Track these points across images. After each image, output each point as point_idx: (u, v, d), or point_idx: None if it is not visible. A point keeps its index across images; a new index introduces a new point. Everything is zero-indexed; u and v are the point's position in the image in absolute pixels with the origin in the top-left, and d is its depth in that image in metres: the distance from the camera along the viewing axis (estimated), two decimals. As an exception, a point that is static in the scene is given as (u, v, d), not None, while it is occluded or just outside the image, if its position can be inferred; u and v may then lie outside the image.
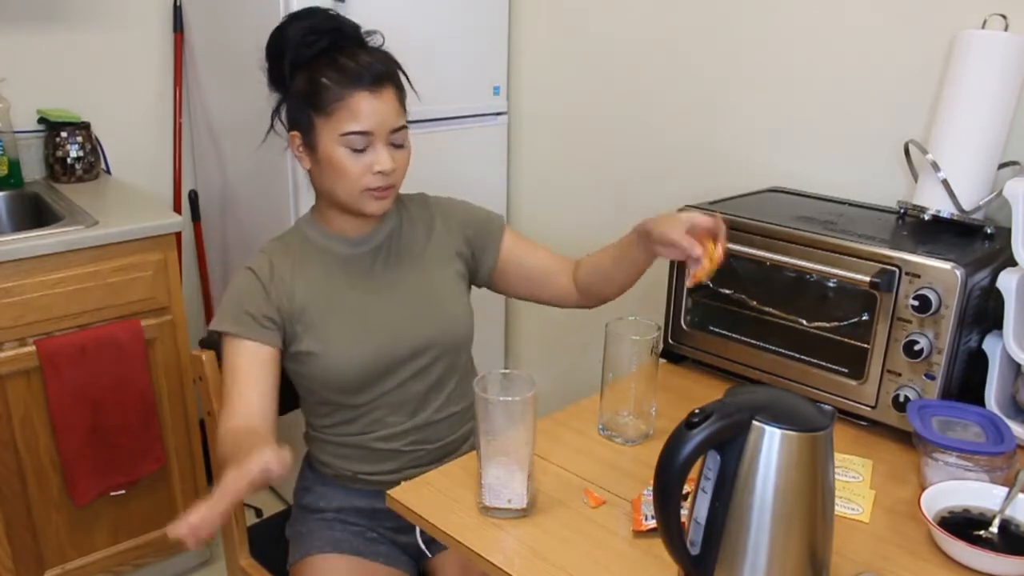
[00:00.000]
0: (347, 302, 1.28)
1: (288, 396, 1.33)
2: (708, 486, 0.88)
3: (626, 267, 1.31)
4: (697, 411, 0.86)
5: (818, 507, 0.87)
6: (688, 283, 1.17)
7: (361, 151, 1.21)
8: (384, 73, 1.22)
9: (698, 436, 0.84)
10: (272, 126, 1.30)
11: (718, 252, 1.15)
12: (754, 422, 0.86)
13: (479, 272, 1.42)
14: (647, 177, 2.00)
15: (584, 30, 2.07)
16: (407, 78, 1.28)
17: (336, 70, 1.19)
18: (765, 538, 0.86)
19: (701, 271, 1.14)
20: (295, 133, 1.26)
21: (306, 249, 1.31)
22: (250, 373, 1.20)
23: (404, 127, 1.25)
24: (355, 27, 1.26)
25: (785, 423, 0.85)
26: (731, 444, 0.86)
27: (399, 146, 1.24)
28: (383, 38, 1.29)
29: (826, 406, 0.89)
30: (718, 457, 0.86)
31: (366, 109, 1.19)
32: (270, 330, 1.23)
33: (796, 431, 0.85)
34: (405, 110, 1.26)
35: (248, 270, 1.27)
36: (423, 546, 1.34)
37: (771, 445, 0.85)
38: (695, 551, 0.90)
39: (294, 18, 1.24)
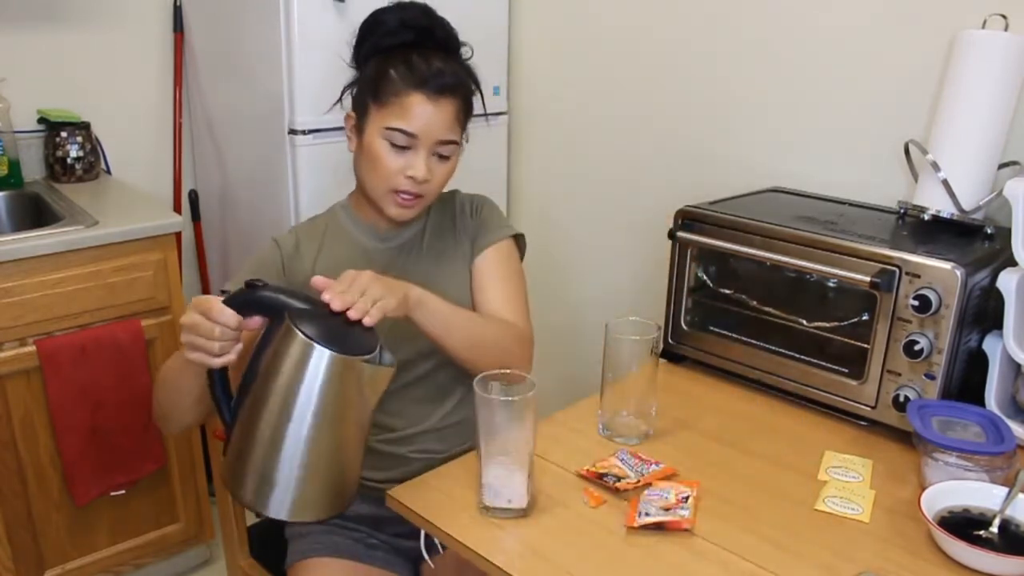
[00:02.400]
0: None
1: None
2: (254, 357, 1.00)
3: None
4: (260, 282, 0.99)
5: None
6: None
7: (401, 150, 1.21)
8: (451, 85, 1.22)
9: (236, 300, 0.98)
10: (340, 99, 1.33)
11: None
12: (288, 316, 0.96)
13: None
14: (647, 177, 2.00)
15: (584, 30, 2.07)
16: (483, 100, 1.31)
17: (406, 66, 1.20)
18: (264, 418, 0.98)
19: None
20: (352, 114, 1.28)
21: (336, 234, 1.33)
22: None
23: (454, 143, 1.25)
24: (447, 32, 1.27)
25: (306, 328, 0.95)
26: (273, 327, 0.98)
27: (443, 158, 1.25)
28: (472, 52, 1.31)
29: (387, 357, 1.03)
30: (264, 335, 0.98)
31: (418, 112, 1.20)
32: None
33: (305, 337, 0.94)
34: (464, 128, 1.27)
35: (273, 242, 1.30)
36: (424, 552, 1.28)
37: (286, 344, 0.95)
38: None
39: (393, 7, 1.26)
